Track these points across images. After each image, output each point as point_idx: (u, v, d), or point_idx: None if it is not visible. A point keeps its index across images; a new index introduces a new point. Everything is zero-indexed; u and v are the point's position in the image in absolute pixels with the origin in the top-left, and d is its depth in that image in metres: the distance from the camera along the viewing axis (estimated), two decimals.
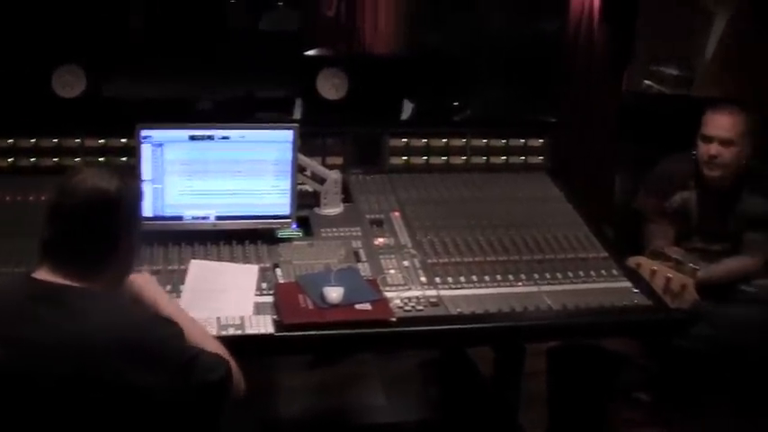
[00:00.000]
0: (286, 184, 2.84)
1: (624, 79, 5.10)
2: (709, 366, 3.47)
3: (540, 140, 3.50)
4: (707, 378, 3.69)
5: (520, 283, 2.70)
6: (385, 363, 3.85)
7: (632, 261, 2.43)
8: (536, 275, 2.75)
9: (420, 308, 2.50)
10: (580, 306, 2.61)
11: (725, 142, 3.56)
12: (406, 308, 2.49)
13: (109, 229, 1.93)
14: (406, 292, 2.57)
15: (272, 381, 3.70)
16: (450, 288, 2.63)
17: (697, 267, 2.39)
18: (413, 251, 2.80)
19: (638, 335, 3.31)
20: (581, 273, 2.79)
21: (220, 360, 1.98)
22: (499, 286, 2.67)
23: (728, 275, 3.63)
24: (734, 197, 3.68)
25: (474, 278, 2.69)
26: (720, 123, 3.57)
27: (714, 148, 3.56)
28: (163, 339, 1.89)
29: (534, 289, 2.68)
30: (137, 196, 2.04)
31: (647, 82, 5.03)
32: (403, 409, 3.60)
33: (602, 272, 2.80)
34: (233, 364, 2.02)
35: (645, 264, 2.37)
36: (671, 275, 2.33)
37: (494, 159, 3.46)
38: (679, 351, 3.46)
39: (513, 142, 3.48)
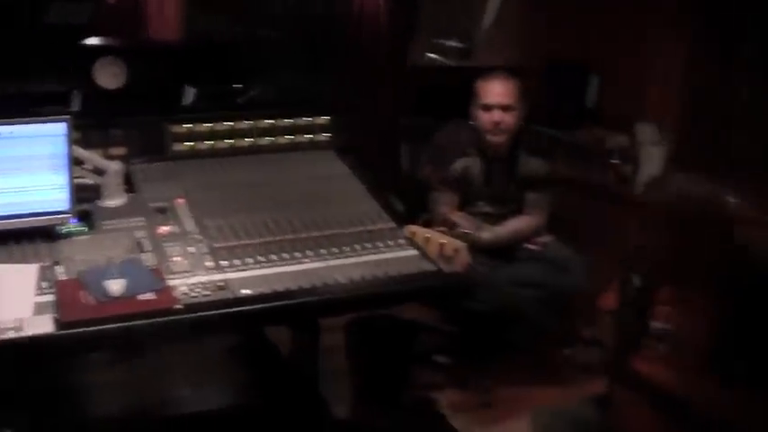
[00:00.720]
0: (63, 178, 2.75)
1: (409, 54, 5.20)
2: (498, 324, 3.63)
3: (327, 118, 3.53)
4: (497, 336, 3.86)
5: (308, 260, 2.71)
6: (188, 352, 3.80)
7: (407, 230, 2.50)
8: (324, 251, 2.77)
9: (206, 293, 2.47)
10: (367, 277, 2.65)
11: (505, 108, 3.73)
12: (192, 294, 2.46)
13: None
14: (192, 279, 2.54)
15: (74, 380, 3.60)
16: (238, 271, 2.61)
17: (468, 232, 2.49)
18: (198, 237, 2.77)
19: (426, 300, 3.42)
20: (369, 245, 2.84)
21: None
22: (287, 265, 2.68)
23: (514, 235, 3.81)
24: (513, 160, 3.86)
25: (261, 259, 2.69)
26: (497, 91, 3.74)
27: (497, 115, 3.72)
28: None
29: (322, 264, 2.71)
30: None
31: (430, 55, 5.15)
32: (208, 398, 3.56)
33: (390, 242, 2.85)
34: None
35: (419, 232, 2.44)
36: (444, 241, 2.41)
37: (280, 140, 3.45)
38: (471, 313, 3.60)
39: (299, 121, 3.49)
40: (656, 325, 2.34)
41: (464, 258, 2.40)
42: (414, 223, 2.73)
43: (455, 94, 3.92)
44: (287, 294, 2.53)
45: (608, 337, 2.45)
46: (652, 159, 4.07)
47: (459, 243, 2.41)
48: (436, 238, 2.43)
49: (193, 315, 2.40)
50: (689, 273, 2.23)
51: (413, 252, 2.79)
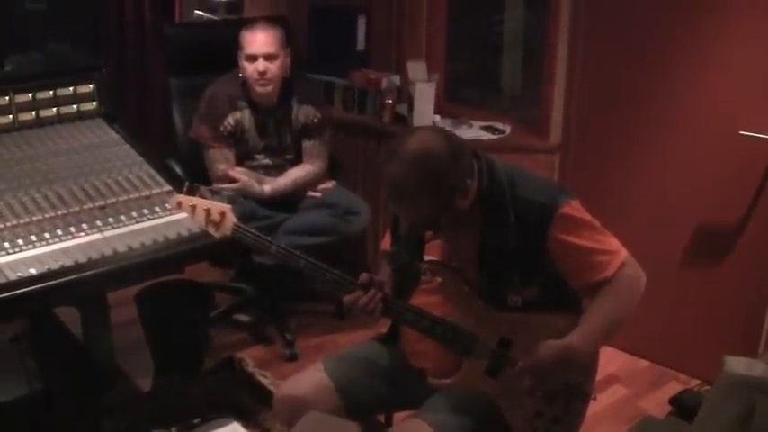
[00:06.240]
0: None
1: (177, 14, 5.09)
2: (292, 275, 3.62)
3: (90, 86, 3.40)
4: (293, 288, 3.89)
5: (82, 234, 2.64)
6: None
7: (173, 202, 2.47)
8: (99, 222, 2.70)
9: None
10: (146, 243, 2.62)
11: (269, 57, 3.70)
12: None
13: None
14: None
15: None
16: (8, 254, 2.50)
17: (231, 194, 2.49)
18: None
19: (210, 259, 3.39)
20: (145, 211, 2.79)
21: None
22: (61, 241, 2.59)
23: (295, 185, 3.81)
24: (284, 109, 3.85)
25: (33, 238, 2.58)
26: (260, 40, 3.70)
27: (262, 65, 3.69)
28: None
29: (98, 237, 2.64)
30: None
31: (198, 12, 5.05)
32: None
33: (167, 206, 2.81)
34: None
35: (184, 201, 2.41)
36: (209, 207, 2.39)
37: (44, 113, 3.29)
38: (262, 268, 3.59)
39: (62, 92, 3.33)
40: (430, 258, 2.41)
41: (230, 220, 2.38)
42: (190, 186, 2.65)
43: (225, 48, 3.86)
44: (61, 272, 2.45)
45: (386, 276, 2.49)
46: (424, 96, 4.15)
47: (224, 206, 2.38)
48: (202, 205, 2.40)
49: None
50: None
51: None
